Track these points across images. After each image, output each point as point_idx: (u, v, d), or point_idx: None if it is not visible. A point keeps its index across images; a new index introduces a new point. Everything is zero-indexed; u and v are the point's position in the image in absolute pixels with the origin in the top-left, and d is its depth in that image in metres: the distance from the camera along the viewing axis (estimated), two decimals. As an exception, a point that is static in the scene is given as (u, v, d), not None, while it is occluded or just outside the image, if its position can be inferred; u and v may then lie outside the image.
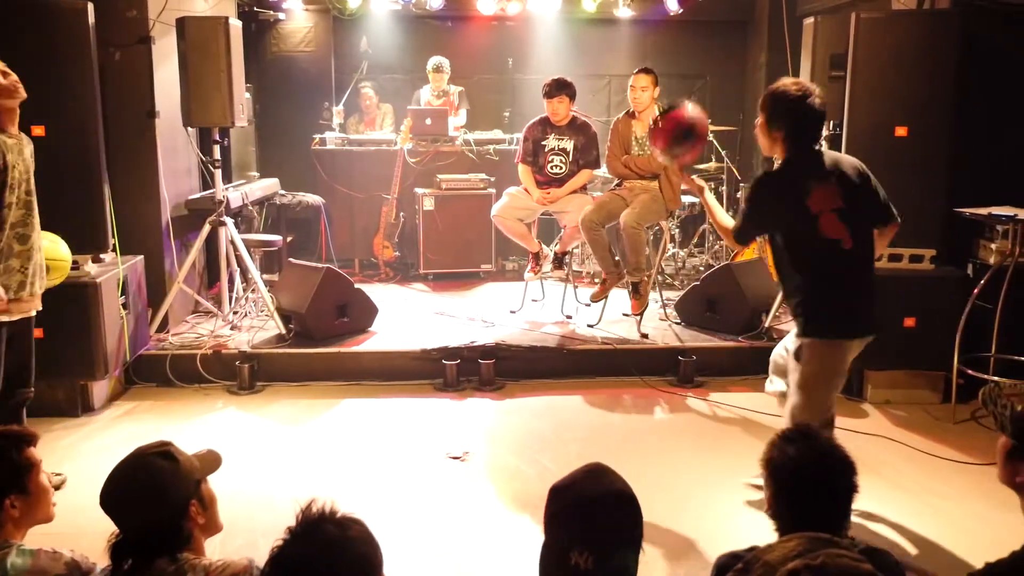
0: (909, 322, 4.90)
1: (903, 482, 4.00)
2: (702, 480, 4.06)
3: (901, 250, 4.97)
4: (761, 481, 2.21)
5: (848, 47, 4.94)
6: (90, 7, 4.63)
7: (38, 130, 4.50)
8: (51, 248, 4.05)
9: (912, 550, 3.36)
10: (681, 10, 7.54)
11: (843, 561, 1.81)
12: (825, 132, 5.75)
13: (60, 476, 3.93)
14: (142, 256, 5.30)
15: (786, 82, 3.47)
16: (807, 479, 2.07)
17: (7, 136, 3.57)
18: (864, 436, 4.54)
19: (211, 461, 2.18)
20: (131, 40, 5.41)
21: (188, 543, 2.01)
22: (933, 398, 5.03)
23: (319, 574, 1.63)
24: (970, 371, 4.66)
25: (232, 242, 5.75)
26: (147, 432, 4.59)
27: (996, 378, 4.53)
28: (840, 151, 5.08)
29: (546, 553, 1.90)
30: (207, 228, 5.69)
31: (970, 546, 3.45)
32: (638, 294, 5.68)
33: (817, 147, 3.49)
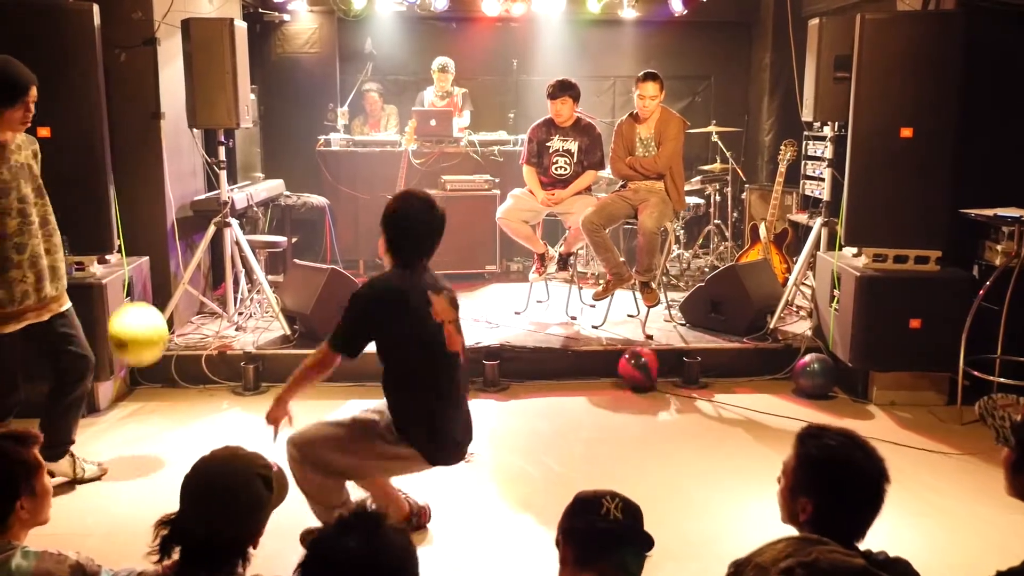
0: (915, 323, 4.88)
1: (909, 484, 3.99)
2: (707, 481, 4.05)
3: (907, 251, 4.97)
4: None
5: (853, 48, 4.93)
6: (95, 9, 4.63)
7: (44, 131, 4.51)
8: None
9: (918, 552, 3.34)
10: (686, 11, 7.53)
11: (835, 557, 1.81)
12: (830, 133, 5.78)
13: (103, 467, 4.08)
14: (147, 257, 5.31)
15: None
16: (853, 464, 2.04)
17: None
18: (869, 438, 4.52)
19: (283, 491, 2.16)
20: (136, 41, 5.41)
21: (244, 566, 2.02)
22: (938, 400, 5.02)
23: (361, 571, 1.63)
24: (976, 372, 4.65)
25: (237, 243, 5.76)
26: (153, 433, 4.60)
27: (1002, 379, 4.53)
28: (845, 152, 5.09)
29: (575, 508, 2.05)
30: (212, 229, 5.69)
31: (977, 548, 3.45)
32: (649, 289, 5.70)
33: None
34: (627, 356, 5.26)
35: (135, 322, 4.07)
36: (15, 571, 2.02)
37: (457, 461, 3.42)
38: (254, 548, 2.04)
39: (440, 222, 3.32)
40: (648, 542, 2.05)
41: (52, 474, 3.79)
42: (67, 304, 3.90)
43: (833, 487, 2.03)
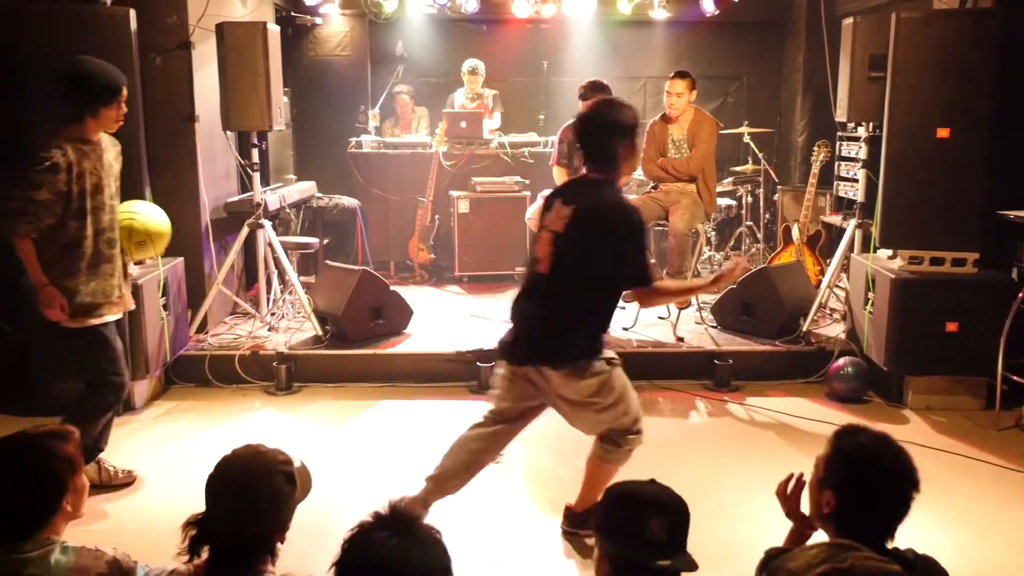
0: (951, 327, 4.80)
1: (943, 489, 3.93)
2: (739, 484, 4.02)
3: (943, 254, 4.89)
4: None
5: (888, 48, 4.87)
6: (132, 13, 4.70)
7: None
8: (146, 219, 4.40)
9: (949, 558, 3.30)
10: (717, 11, 7.49)
11: (871, 564, 1.79)
12: (865, 134, 5.71)
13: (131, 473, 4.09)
14: (182, 258, 5.37)
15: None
16: (881, 463, 2.04)
17: (82, 144, 3.63)
18: (904, 443, 4.46)
19: (306, 488, 2.17)
20: (172, 45, 5.49)
21: (272, 561, 2.03)
22: (975, 404, 4.94)
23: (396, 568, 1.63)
24: (1015, 377, 4.57)
25: (270, 244, 5.81)
26: (187, 432, 4.66)
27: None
28: (880, 153, 5.03)
29: (617, 511, 1.96)
30: (245, 230, 5.75)
31: (1009, 557, 3.39)
32: None
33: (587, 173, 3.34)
34: None
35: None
36: (54, 566, 2.04)
37: (517, 362, 3.32)
38: (281, 543, 2.06)
39: (613, 126, 3.22)
40: (690, 565, 1.96)
41: None
42: (129, 308, 4.01)
43: (858, 483, 2.03)
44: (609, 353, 3.33)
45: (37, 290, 3.62)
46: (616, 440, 3.36)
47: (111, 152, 3.82)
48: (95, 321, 3.72)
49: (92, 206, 3.66)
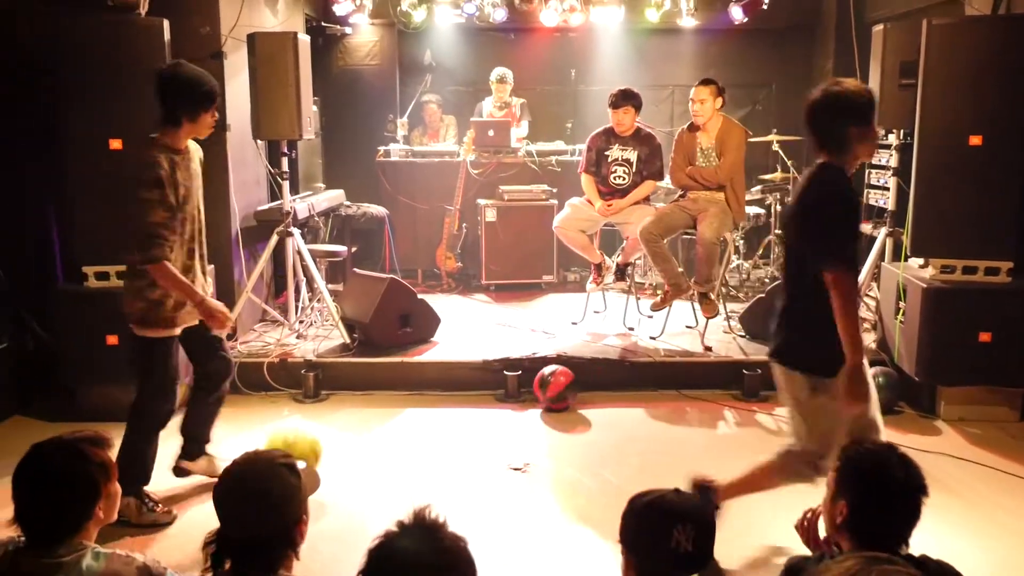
0: (984, 336, 4.73)
1: (978, 502, 3.87)
2: (767, 496, 3.97)
3: (976, 262, 4.83)
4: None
5: (919, 54, 4.83)
6: (166, 24, 4.77)
7: (116, 143, 4.66)
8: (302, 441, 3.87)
9: (986, 571, 3.25)
10: (746, 19, 7.45)
11: None
12: (895, 141, 5.65)
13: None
14: (212, 266, 5.37)
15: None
16: (888, 468, 2.07)
17: (174, 153, 3.60)
18: (937, 455, 4.40)
19: (314, 481, 2.19)
20: (204, 55, 5.54)
21: (292, 559, 2.04)
22: (1010, 416, 4.86)
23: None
24: (1050, 388, 4.50)
25: (299, 252, 5.86)
26: (215, 438, 4.69)
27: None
28: (911, 161, 4.97)
29: (643, 523, 1.95)
30: (275, 238, 5.80)
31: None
32: (708, 300, 5.64)
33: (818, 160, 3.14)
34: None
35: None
36: (85, 571, 2.07)
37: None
38: (302, 538, 2.07)
39: (842, 107, 3.03)
40: (718, 574, 1.98)
41: (189, 472, 3.96)
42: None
43: (868, 489, 2.07)
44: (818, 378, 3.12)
45: (199, 307, 3.59)
46: (796, 462, 3.26)
47: (195, 160, 3.79)
48: (166, 333, 3.68)
49: (180, 217, 3.61)
